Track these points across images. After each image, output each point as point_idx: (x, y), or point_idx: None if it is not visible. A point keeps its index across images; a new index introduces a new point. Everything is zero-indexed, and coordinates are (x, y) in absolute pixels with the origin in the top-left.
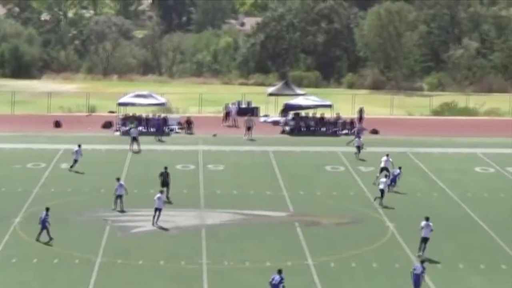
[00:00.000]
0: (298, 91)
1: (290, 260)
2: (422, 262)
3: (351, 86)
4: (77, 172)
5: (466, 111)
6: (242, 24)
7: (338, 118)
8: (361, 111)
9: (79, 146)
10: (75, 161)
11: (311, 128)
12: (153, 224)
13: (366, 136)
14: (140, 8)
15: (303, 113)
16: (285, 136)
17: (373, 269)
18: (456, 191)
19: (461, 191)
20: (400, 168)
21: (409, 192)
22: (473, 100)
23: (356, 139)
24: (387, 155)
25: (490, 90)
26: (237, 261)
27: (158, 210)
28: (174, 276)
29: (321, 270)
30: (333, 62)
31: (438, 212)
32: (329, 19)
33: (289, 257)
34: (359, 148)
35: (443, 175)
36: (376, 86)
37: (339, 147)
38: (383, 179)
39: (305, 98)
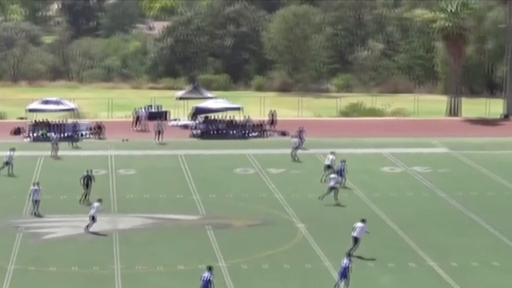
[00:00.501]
0: (207, 94)
1: (203, 263)
2: (349, 255)
3: (259, 88)
4: None
5: (373, 112)
6: (151, 29)
7: (248, 120)
8: (272, 114)
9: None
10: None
11: (221, 131)
12: (85, 229)
13: (275, 138)
14: (48, 13)
15: (212, 116)
16: (195, 139)
17: (284, 270)
18: (364, 191)
19: (369, 191)
20: (343, 161)
21: (318, 193)
22: (380, 101)
23: (294, 139)
24: (332, 153)
25: (395, 91)
26: (150, 265)
27: (92, 217)
28: (87, 281)
29: (233, 272)
30: (242, 65)
31: (346, 212)
32: (236, 22)
33: (201, 260)
34: (296, 149)
35: (351, 176)
36: (284, 88)
37: (248, 150)
38: (333, 175)
39: (214, 101)
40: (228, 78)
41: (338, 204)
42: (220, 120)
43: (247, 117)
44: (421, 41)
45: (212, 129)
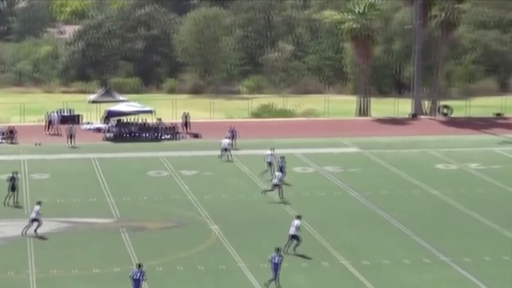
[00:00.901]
0: (120, 97)
1: (118, 266)
2: (278, 250)
3: (171, 91)
4: None
5: (284, 113)
6: (62, 33)
7: (160, 123)
8: (186, 116)
9: None
10: None
11: (134, 134)
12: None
13: (188, 140)
14: None
15: (125, 119)
16: (108, 143)
17: (199, 271)
18: (277, 191)
19: (284, 191)
20: (283, 157)
21: (231, 194)
22: (290, 102)
23: (226, 140)
24: (272, 149)
25: (306, 92)
26: (65, 269)
27: (35, 220)
28: (2, 287)
29: (148, 274)
30: (153, 68)
31: (260, 212)
32: (147, 25)
33: (116, 263)
34: (226, 150)
35: (264, 176)
36: (196, 91)
37: (161, 152)
38: (278, 173)
39: (126, 104)
40: (140, 81)
41: (284, 202)
42: (132, 123)
43: (159, 120)
44: (330, 42)
45: (125, 132)
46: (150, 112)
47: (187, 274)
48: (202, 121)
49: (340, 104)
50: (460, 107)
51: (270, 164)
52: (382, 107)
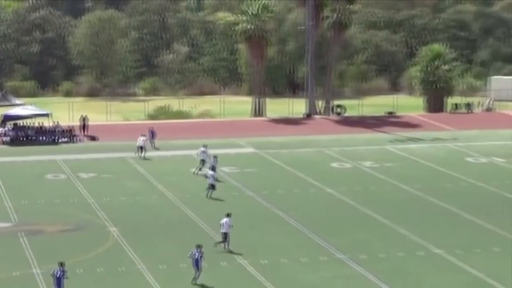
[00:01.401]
0: (16, 101)
1: (17, 270)
2: (198, 246)
3: (68, 94)
4: None
5: (180, 114)
6: None
7: (57, 126)
8: (84, 119)
9: None
10: None
11: (31, 138)
12: None
13: (85, 143)
14: None
15: (21, 123)
16: (5, 146)
17: (99, 273)
18: (174, 193)
19: (179, 193)
20: (215, 157)
21: (130, 196)
22: (186, 103)
23: (141, 137)
24: (205, 146)
25: (201, 93)
26: None
27: None
28: None
29: (48, 278)
30: (49, 71)
31: (158, 214)
32: (42, 28)
33: (15, 267)
34: (142, 148)
35: (161, 178)
36: (92, 93)
37: (59, 155)
38: (211, 172)
39: (23, 108)
40: (36, 85)
41: (182, 204)
42: (29, 127)
43: (56, 123)
44: (225, 44)
45: (22, 135)
46: (46, 115)
47: (87, 276)
48: (99, 123)
49: (236, 105)
50: (353, 107)
51: (203, 161)
52: (277, 107)
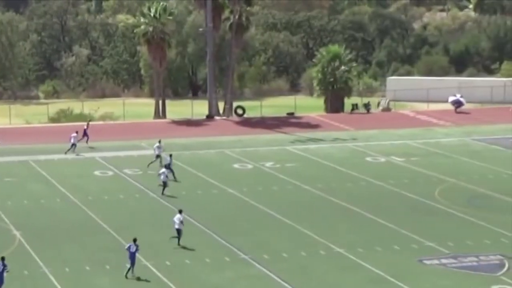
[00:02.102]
0: None
1: None
2: (135, 240)
3: None
4: None
5: (81, 117)
6: None
7: None
8: None
9: None
10: None
11: None
12: None
13: None
14: None
15: None
16: None
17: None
18: (78, 195)
19: (82, 195)
20: (170, 155)
21: (33, 200)
22: (88, 106)
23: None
24: (159, 141)
25: (103, 96)
26: None
27: None
28: None
29: None
30: None
31: (62, 217)
32: None
33: None
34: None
35: (64, 181)
36: None
37: None
38: (163, 170)
39: None
40: None
41: (86, 206)
42: None
43: None
44: (125, 46)
45: None
46: None
47: None
48: (0, 127)
49: (137, 107)
50: (254, 108)
51: (158, 156)
52: (178, 109)
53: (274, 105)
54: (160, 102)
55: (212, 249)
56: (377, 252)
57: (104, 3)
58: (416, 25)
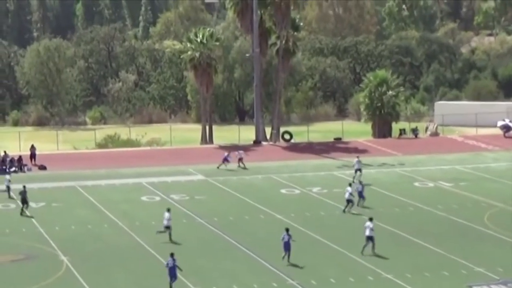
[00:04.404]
0: None
1: None
2: (287, 230)
3: (16, 123)
4: None
5: (129, 143)
6: None
7: (6, 156)
8: (33, 148)
9: None
10: None
11: None
12: None
13: (34, 173)
14: None
15: None
16: None
17: None
18: (125, 221)
19: (130, 221)
20: (361, 184)
21: (80, 225)
22: (135, 132)
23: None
24: (358, 157)
25: (150, 121)
26: None
27: None
28: None
29: None
30: None
31: (109, 242)
32: None
33: None
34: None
35: (112, 206)
36: (41, 122)
37: None
38: (351, 188)
39: None
40: None
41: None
42: None
43: (4, 153)
44: (172, 72)
45: None
46: None
47: None
48: (48, 153)
49: (184, 133)
50: (301, 133)
51: (358, 170)
52: (225, 134)
53: (321, 130)
54: (207, 127)
55: (260, 274)
56: (426, 278)
57: (151, 29)
58: (464, 50)
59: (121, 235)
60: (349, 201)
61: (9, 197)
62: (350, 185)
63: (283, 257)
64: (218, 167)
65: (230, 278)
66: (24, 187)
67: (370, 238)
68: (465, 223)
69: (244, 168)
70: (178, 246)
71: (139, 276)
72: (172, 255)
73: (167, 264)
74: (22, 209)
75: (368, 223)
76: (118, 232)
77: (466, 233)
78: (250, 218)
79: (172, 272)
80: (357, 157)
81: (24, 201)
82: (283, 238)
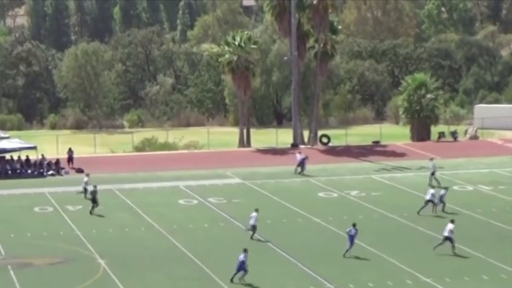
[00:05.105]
0: (1, 134)
1: None
2: (354, 225)
3: (53, 127)
4: None
5: (166, 146)
6: None
7: (44, 159)
8: (71, 152)
9: None
10: None
11: (17, 171)
12: None
13: (72, 176)
14: None
15: (8, 156)
16: None
17: None
18: (162, 224)
19: (167, 224)
20: (446, 188)
21: (117, 228)
22: (172, 135)
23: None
24: (431, 159)
25: (187, 124)
26: None
27: None
28: None
29: None
30: (35, 104)
31: (146, 246)
32: (27, 62)
33: None
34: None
35: (149, 209)
36: (78, 126)
37: (46, 188)
38: (431, 190)
39: (8, 141)
40: (22, 118)
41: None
42: (15, 160)
43: (42, 156)
44: (210, 75)
45: (8, 169)
46: (33, 148)
47: None
48: (85, 156)
49: (222, 136)
50: (339, 136)
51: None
52: (263, 137)
53: (360, 134)
54: (245, 130)
55: (298, 278)
56: (465, 282)
57: (188, 32)
58: (504, 52)
59: (158, 239)
60: (430, 201)
61: (85, 197)
62: (433, 187)
63: (347, 251)
64: (299, 173)
65: (267, 281)
66: (95, 186)
67: (448, 239)
68: (504, 226)
69: (302, 172)
70: (216, 249)
71: (176, 279)
72: (245, 250)
73: (349, 231)
74: (91, 208)
75: (450, 225)
76: (155, 236)
77: (505, 237)
78: (287, 222)
79: (241, 266)
80: (431, 159)
81: (94, 200)
82: (349, 232)
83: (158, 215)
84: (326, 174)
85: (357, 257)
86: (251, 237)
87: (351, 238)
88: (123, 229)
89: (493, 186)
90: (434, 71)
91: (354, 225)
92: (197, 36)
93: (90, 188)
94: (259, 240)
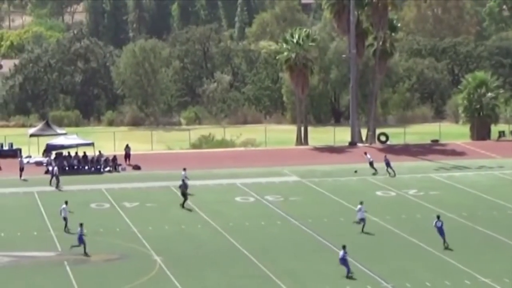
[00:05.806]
0: (59, 131)
1: None
2: (438, 217)
3: (111, 123)
4: None
5: (223, 143)
6: (0, 67)
7: (101, 155)
8: (127, 148)
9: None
10: None
11: (75, 167)
12: None
13: (129, 172)
14: None
15: (65, 152)
16: (49, 176)
17: None
18: (218, 221)
19: (223, 221)
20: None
21: (174, 225)
22: (229, 132)
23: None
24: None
25: (245, 122)
26: None
27: None
28: None
29: None
30: (92, 101)
31: (203, 243)
32: (85, 58)
33: None
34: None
35: (205, 207)
36: (136, 123)
37: (103, 184)
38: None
39: (66, 137)
40: (79, 114)
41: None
42: (73, 156)
43: (99, 152)
44: (268, 72)
45: (66, 165)
46: (90, 144)
47: None
48: (142, 153)
49: (279, 134)
50: (397, 135)
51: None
52: (320, 135)
53: (418, 132)
54: (302, 128)
55: (354, 277)
56: None
57: (246, 30)
58: None
59: (214, 236)
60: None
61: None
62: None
63: (444, 243)
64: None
65: (324, 280)
66: (183, 181)
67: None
68: None
69: (375, 173)
70: (273, 247)
71: (232, 277)
72: (344, 247)
73: (435, 223)
74: (183, 202)
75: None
76: (211, 233)
77: None
78: (344, 220)
79: (343, 263)
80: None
81: (184, 195)
82: (435, 224)
83: (215, 212)
84: (383, 172)
85: (414, 256)
86: (362, 230)
87: (440, 230)
88: (179, 226)
89: None
90: (494, 69)
91: (438, 217)
92: (255, 33)
93: (187, 182)
94: (367, 233)
